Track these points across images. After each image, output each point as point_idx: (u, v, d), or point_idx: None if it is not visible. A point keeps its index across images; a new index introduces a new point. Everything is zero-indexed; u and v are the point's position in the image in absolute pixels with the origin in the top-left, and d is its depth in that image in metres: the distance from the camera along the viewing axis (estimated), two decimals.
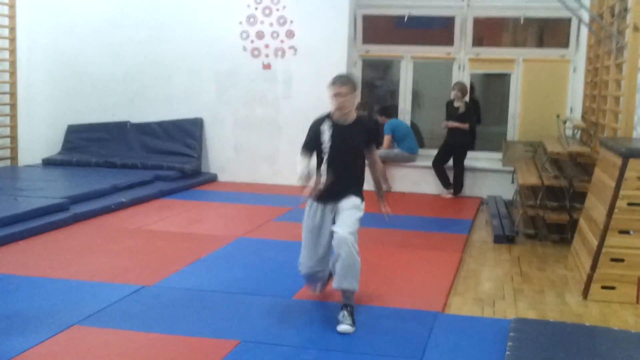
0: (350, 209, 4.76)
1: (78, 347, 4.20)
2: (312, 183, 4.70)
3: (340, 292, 4.75)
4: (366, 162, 4.99)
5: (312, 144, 4.84)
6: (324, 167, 4.82)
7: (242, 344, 4.26)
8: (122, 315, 4.76)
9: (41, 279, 5.50)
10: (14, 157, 10.53)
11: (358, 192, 4.87)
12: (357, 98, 4.97)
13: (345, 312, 4.64)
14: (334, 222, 4.77)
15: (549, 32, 10.91)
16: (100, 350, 4.18)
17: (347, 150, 4.81)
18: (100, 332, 4.43)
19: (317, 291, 5.17)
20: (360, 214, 4.79)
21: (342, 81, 4.77)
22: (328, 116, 4.86)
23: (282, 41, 10.58)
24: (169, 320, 4.70)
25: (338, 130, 4.80)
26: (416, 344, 4.35)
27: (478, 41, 10.68)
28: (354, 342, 4.39)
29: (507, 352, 4.06)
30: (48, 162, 10.62)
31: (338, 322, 4.60)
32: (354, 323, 4.61)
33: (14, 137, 10.55)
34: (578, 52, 10.24)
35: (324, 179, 4.75)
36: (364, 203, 4.87)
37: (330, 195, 4.77)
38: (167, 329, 4.51)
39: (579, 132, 9.34)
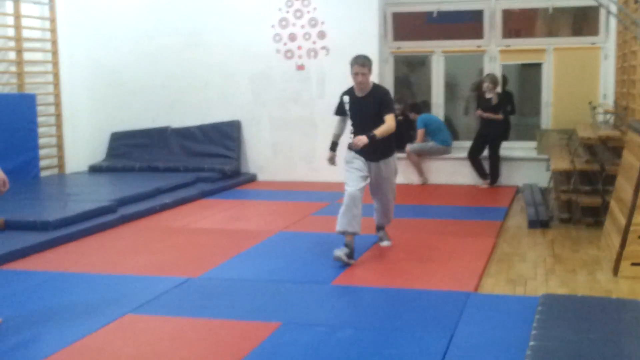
0: (389, 177, 6.22)
1: (131, 333, 4.51)
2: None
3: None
4: None
5: (339, 110, 6.30)
6: (351, 129, 6.17)
7: (283, 325, 4.51)
8: (170, 303, 5.06)
9: (94, 275, 5.83)
10: (61, 165, 10.93)
11: (388, 150, 6.16)
12: (371, 72, 6.04)
13: (382, 232, 6.56)
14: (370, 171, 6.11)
15: (579, 21, 10.97)
16: (151, 335, 4.48)
17: (363, 116, 6.03)
18: (150, 319, 4.73)
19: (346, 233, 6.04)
20: (394, 179, 6.32)
21: (361, 63, 5.93)
22: (351, 89, 6.15)
23: (314, 42, 10.84)
24: (214, 306, 4.98)
25: (356, 100, 6.08)
26: (448, 321, 4.56)
27: (508, 33, 10.80)
28: (387, 321, 4.63)
29: (535, 325, 4.25)
30: (94, 169, 11.03)
31: (380, 240, 6.56)
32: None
33: (60, 146, 10.95)
34: (608, 39, 10.28)
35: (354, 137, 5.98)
36: (395, 159, 6.28)
37: (367, 154, 6.02)
38: (212, 314, 4.79)
39: (612, 117, 9.42)
